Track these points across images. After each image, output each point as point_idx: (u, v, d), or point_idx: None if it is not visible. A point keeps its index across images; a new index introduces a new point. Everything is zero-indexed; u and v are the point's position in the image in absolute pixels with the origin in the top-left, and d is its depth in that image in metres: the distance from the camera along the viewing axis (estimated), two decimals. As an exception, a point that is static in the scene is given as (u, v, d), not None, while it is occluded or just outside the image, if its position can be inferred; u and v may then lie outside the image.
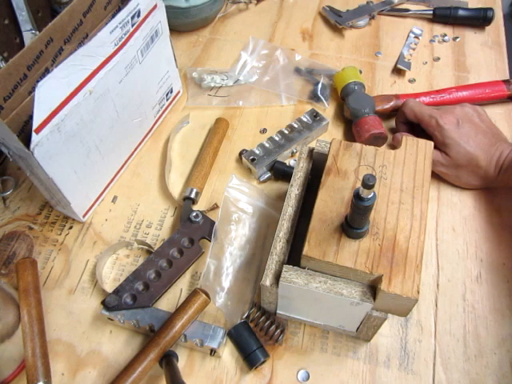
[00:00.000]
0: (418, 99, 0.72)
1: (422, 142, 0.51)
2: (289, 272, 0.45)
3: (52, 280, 0.59)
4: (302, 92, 0.77)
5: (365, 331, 0.51)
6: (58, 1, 0.70)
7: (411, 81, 0.79)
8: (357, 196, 0.39)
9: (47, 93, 0.48)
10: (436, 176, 0.65)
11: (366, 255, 0.43)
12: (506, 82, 0.74)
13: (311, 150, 0.55)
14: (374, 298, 0.44)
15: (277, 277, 0.47)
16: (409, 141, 0.51)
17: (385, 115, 0.72)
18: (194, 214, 0.61)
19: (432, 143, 0.51)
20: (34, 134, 0.48)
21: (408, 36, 0.86)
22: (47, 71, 0.53)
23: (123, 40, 0.56)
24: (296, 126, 0.70)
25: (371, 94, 0.74)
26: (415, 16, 0.89)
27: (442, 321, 0.55)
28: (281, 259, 0.48)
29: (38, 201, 0.66)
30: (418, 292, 0.42)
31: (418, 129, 0.66)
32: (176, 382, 0.46)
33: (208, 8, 0.84)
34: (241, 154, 0.68)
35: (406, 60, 0.81)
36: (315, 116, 0.71)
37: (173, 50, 0.70)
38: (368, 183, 0.37)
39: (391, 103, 0.72)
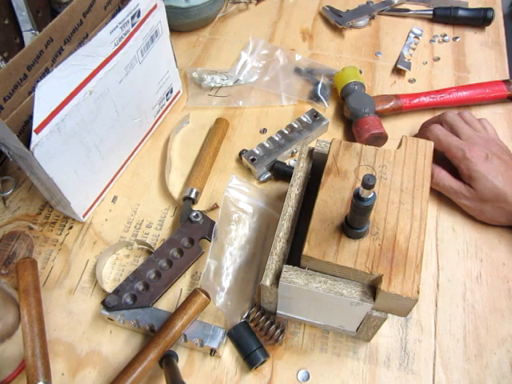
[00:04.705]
0: (417, 99, 0.72)
1: (422, 141, 0.51)
2: (289, 272, 0.45)
3: (52, 280, 0.59)
4: (302, 92, 0.77)
5: (365, 331, 0.51)
6: (58, 1, 0.70)
7: (411, 81, 0.79)
8: (357, 196, 0.39)
9: (47, 93, 0.48)
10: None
11: (366, 255, 0.43)
12: (506, 82, 0.74)
13: (311, 150, 0.55)
14: (374, 298, 0.44)
15: (277, 277, 0.47)
16: (409, 141, 0.51)
17: (385, 115, 0.72)
18: (194, 214, 0.61)
19: (432, 143, 0.51)
20: (34, 133, 0.48)
21: (408, 36, 0.86)
22: (47, 71, 0.53)
23: (123, 40, 0.56)
24: (296, 125, 0.70)
25: (371, 94, 0.74)
26: (415, 16, 0.89)
27: (442, 321, 0.55)
28: (281, 259, 0.48)
29: (38, 201, 0.66)
30: (418, 292, 0.42)
31: (439, 154, 0.61)
32: (176, 382, 0.46)
33: (208, 8, 0.84)
34: (241, 153, 0.68)
35: (406, 60, 0.81)
36: (315, 116, 0.71)
37: (173, 50, 0.70)
38: (368, 183, 0.37)
39: (391, 103, 0.72)
